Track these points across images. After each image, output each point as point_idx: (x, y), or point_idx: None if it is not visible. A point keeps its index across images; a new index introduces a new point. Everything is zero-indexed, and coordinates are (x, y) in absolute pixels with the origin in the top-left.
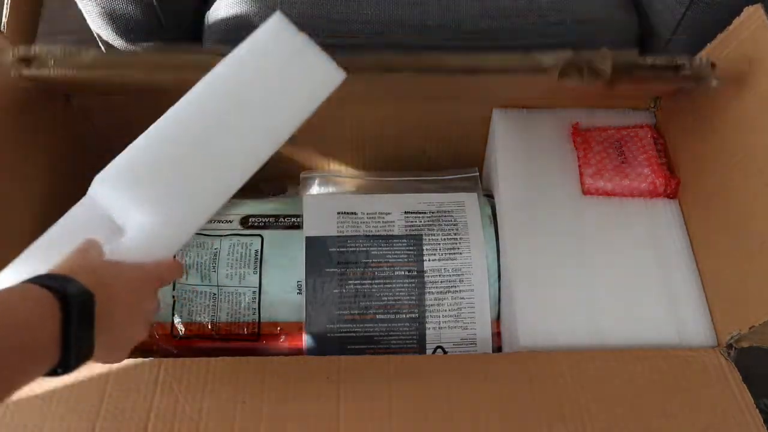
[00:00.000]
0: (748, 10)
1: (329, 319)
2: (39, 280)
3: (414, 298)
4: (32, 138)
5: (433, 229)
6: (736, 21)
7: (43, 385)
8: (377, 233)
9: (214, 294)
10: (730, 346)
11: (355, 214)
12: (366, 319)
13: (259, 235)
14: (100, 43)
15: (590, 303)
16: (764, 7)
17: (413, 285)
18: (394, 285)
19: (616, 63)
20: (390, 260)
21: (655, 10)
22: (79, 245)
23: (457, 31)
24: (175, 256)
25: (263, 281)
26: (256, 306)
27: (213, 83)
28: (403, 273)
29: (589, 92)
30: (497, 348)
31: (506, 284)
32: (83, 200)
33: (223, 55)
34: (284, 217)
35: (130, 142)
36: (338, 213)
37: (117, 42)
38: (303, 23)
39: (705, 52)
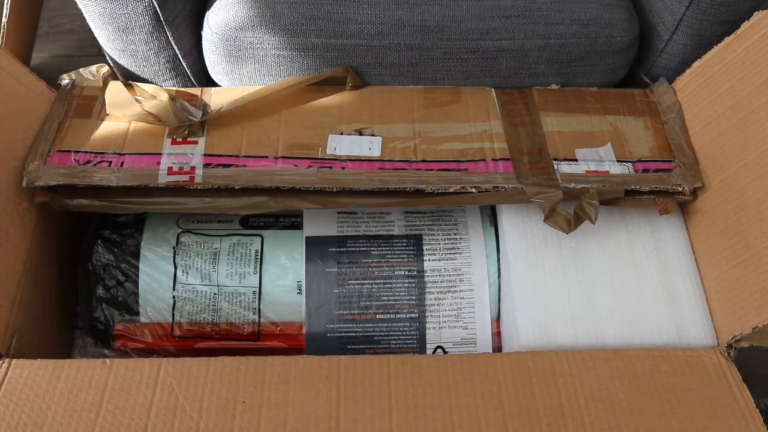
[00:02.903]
0: (757, 15)
1: (329, 319)
2: None
3: (414, 298)
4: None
5: (433, 229)
6: (745, 25)
7: (42, 384)
8: (377, 233)
9: (214, 294)
10: (730, 346)
11: (355, 213)
12: (366, 319)
13: (259, 235)
14: (102, 48)
15: (590, 303)
16: (763, 8)
17: (413, 285)
18: (394, 285)
19: (603, 199)
20: (390, 260)
21: (655, 10)
22: None
23: (457, 32)
24: (175, 255)
25: (263, 281)
26: (256, 306)
27: None
28: (403, 273)
29: None
30: (497, 348)
31: (506, 284)
32: None
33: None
34: (284, 217)
35: None
36: (338, 213)
37: (116, 42)
38: (303, 23)
39: (710, 55)
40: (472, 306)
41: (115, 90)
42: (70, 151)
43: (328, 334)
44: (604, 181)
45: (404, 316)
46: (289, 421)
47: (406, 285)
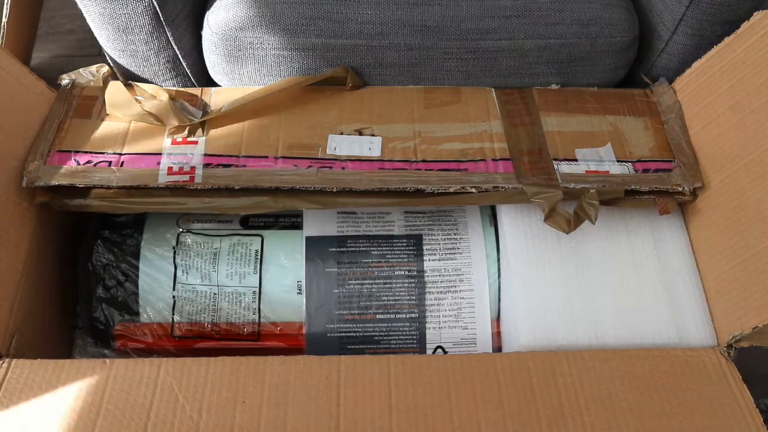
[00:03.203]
0: (757, 15)
1: (329, 319)
2: None
3: (414, 298)
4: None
5: (433, 229)
6: (745, 25)
7: (42, 384)
8: (377, 233)
9: (214, 294)
10: (730, 346)
11: (355, 213)
12: (366, 319)
13: (259, 235)
14: (102, 48)
15: (590, 303)
16: (763, 8)
17: (413, 285)
18: (394, 285)
19: (603, 199)
20: (390, 260)
21: (655, 10)
22: None
23: (457, 32)
24: (175, 255)
25: (263, 281)
26: (256, 306)
27: None
28: (403, 273)
29: None
30: (497, 348)
31: (506, 284)
32: None
33: None
34: (284, 217)
35: None
36: (338, 213)
37: (116, 42)
38: (303, 23)
39: (710, 55)
40: (472, 306)
41: (115, 90)
42: (70, 151)
43: (328, 334)
44: (604, 181)
45: (404, 316)
46: (289, 421)
47: (406, 285)
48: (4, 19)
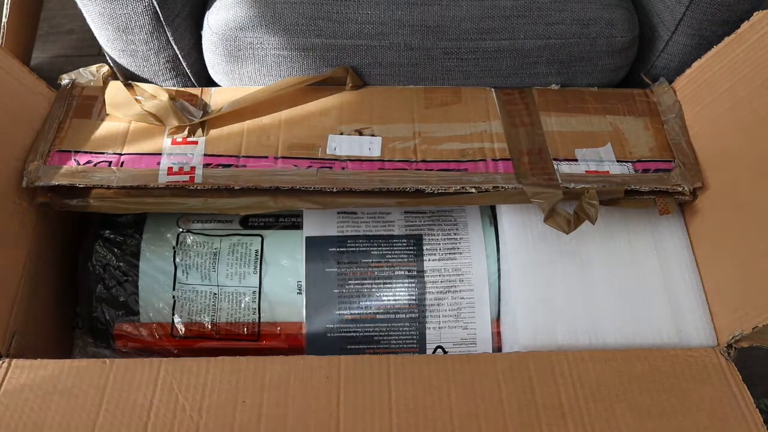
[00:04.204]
0: (757, 15)
1: (329, 319)
2: None
3: (414, 298)
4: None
5: (433, 229)
6: (745, 25)
7: (42, 384)
8: (377, 233)
9: (215, 294)
10: (730, 346)
11: (355, 213)
12: (366, 319)
13: (259, 235)
14: (102, 48)
15: (590, 303)
16: (763, 8)
17: (413, 285)
18: (394, 285)
19: (603, 199)
20: (390, 260)
21: (655, 10)
22: None
23: (457, 32)
24: (175, 255)
25: (263, 281)
26: (256, 306)
27: None
28: (403, 273)
29: None
30: (497, 348)
31: (506, 284)
32: None
33: None
34: (284, 217)
35: None
36: (338, 213)
37: (116, 42)
38: (303, 23)
39: (710, 55)
40: (472, 306)
41: (115, 90)
42: (70, 151)
43: (328, 334)
44: (604, 181)
45: (404, 316)
46: (289, 421)
47: (406, 285)
48: (4, 19)
